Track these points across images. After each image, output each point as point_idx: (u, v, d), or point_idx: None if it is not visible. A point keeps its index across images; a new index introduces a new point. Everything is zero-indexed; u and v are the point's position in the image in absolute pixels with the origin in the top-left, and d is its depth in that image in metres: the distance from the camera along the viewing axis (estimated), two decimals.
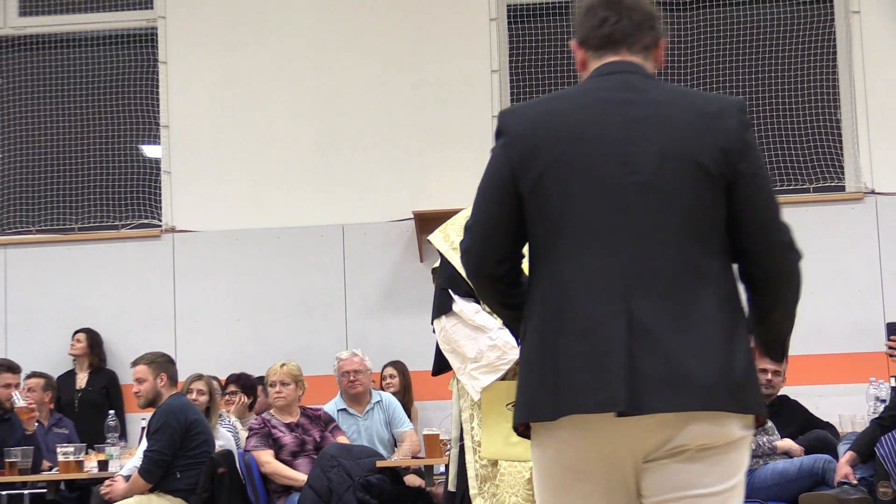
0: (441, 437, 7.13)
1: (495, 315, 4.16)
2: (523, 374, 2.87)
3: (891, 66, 9.44)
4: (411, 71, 9.83)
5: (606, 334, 2.71)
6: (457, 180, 9.47)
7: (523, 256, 2.94)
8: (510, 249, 2.90)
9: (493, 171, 2.90)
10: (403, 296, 9.52)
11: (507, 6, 9.89)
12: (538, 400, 2.79)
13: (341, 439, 7.72)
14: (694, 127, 2.80)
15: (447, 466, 5.35)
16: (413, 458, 7.50)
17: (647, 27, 2.97)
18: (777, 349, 3.01)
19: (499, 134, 2.91)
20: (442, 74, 9.79)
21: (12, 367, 8.35)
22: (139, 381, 7.44)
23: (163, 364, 7.56)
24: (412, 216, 9.45)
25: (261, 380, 8.99)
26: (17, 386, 8.31)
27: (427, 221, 9.11)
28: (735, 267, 2.88)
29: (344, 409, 8.15)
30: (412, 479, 7.49)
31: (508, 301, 2.98)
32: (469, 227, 2.93)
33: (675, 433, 2.72)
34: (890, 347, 6.70)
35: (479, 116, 9.66)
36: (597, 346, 2.71)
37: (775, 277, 2.86)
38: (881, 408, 7.26)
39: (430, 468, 7.30)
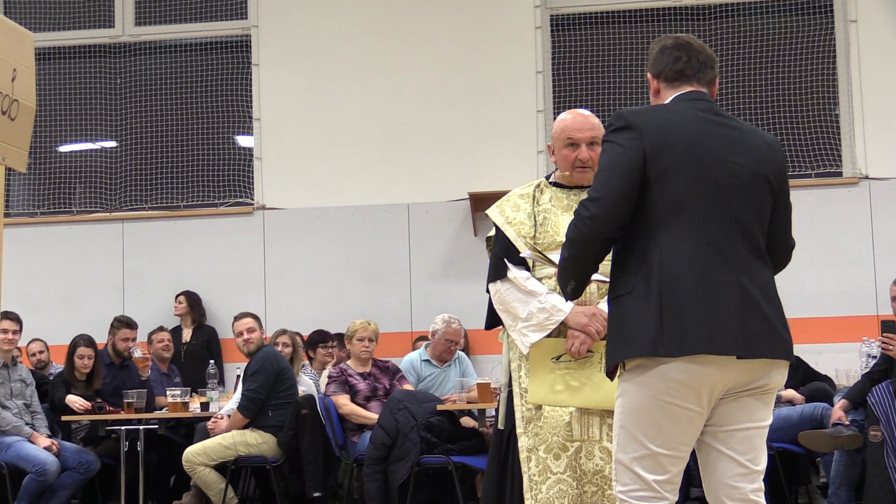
0: (492, 385, 7.17)
1: (543, 282, 4.20)
2: (643, 318, 2.99)
3: (884, 68, 9.35)
4: (466, 72, 9.83)
5: (725, 298, 2.97)
6: (505, 165, 9.52)
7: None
8: (627, 220, 3.06)
9: (625, 156, 3.05)
10: (459, 264, 9.54)
11: (550, 16, 9.85)
12: (667, 340, 2.95)
13: (406, 387, 7.74)
14: (766, 153, 3.16)
15: (497, 409, 5.37)
16: (468, 402, 7.53)
17: (709, 67, 3.23)
18: None
19: (626, 128, 3.06)
20: (493, 75, 9.78)
21: (130, 324, 8.44)
22: (250, 330, 7.52)
23: (259, 321, 7.69)
24: (467, 196, 9.45)
25: (336, 336, 9.08)
26: (133, 340, 8.43)
27: (480, 201, 9.15)
28: None
29: (427, 360, 8.15)
30: (467, 421, 7.47)
31: (600, 260, 3.15)
32: (598, 199, 3.04)
33: (762, 375, 3.06)
34: (884, 342, 6.67)
35: (525, 111, 9.67)
36: (719, 306, 2.96)
37: (781, 265, 3.26)
38: (872, 364, 7.22)
39: (482, 411, 7.23)
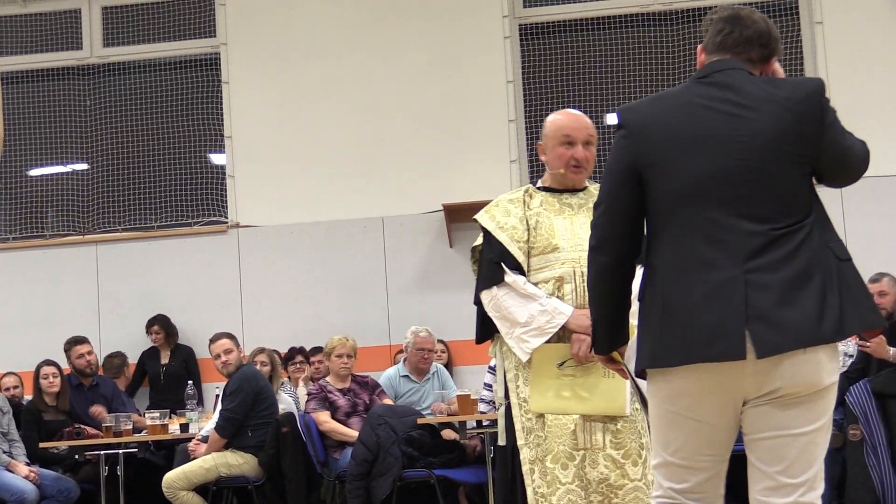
0: (472, 397, 7.14)
1: (539, 286, 4.16)
2: (648, 326, 2.90)
3: (850, 67, 9.40)
4: (437, 84, 9.82)
5: (727, 296, 2.77)
6: (478, 176, 9.51)
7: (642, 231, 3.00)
8: (636, 234, 3.00)
9: (617, 159, 2.97)
10: (436, 277, 9.52)
11: (519, 26, 9.86)
12: (664, 349, 2.83)
13: (387, 401, 7.72)
14: (783, 119, 2.86)
15: (490, 422, 5.21)
16: (448, 415, 7.49)
17: (758, 44, 3.00)
18: None
19: (619, 126, 2.98)
20: (464, 86, 9.77)
21: (79, 340, 8.43)
22: (227, 351, 7.47)
23: (236, 340, 7.64)
24: (441, 208, 9.43)
25: (314, 351, 9.04)
26: (90, 353, 8.36)
27: (454, 212, 9.15)
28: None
29: (406, 376, 8.11)
30: (448, 434, 7.47)
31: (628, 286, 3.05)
32: (598, 205, 3.00)
33: (774, 378, 2.78)
34: (860, 341, 6.73)
35: (497, 121, 9.66)
36: (720, 307, 2.77)
37: (854, 178, 3.05)
38: (849, 363, 7.24)
39: (463, 424, 7.18)
